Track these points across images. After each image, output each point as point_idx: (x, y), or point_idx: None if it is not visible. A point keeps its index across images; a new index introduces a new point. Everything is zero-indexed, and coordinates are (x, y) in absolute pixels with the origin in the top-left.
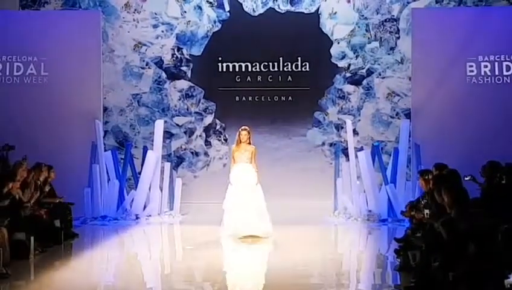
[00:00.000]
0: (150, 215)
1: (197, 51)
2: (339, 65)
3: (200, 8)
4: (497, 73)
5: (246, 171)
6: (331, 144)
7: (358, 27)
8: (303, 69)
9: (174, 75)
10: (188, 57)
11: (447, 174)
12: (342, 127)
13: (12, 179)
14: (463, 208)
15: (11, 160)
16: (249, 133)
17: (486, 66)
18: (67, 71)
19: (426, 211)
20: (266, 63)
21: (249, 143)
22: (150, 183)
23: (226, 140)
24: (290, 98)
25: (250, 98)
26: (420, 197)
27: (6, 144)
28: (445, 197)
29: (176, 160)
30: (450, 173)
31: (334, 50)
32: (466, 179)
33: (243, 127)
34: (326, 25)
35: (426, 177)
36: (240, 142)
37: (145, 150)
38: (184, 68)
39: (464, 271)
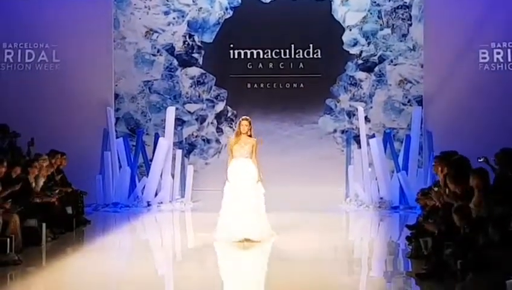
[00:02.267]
0: (161, 203)
1: (208, 37)
2: (351, 52)
3: None
4: (509, 60)
5: (245, 167)
6: (342, 131)
7: (371, 14)
8: (315, 56)
9: (185, 62)
10: (199, 44)
11: (464, 160)
12: (354, 114)
13: (28, 165)
14: (485, 194)
15: (23, 148)
16: (250, 123)
17: (498, 53)
18: (78, 58)
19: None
20: (278, 50)
21: (250, 135)
22: (162, 170)
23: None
24: (301, 85)
25: (261, 85)
26: (432, 184)
27: (14, 131)
28: (474, 181)
29: (188, 147)
30: (463, 159)
31: (346, 37)
32: (479, 160)
33: (243, 117)
34: (338, 11)
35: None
36: (240, 133)
37: (156, 137)
38: (195, 55)
39: (473, 259)
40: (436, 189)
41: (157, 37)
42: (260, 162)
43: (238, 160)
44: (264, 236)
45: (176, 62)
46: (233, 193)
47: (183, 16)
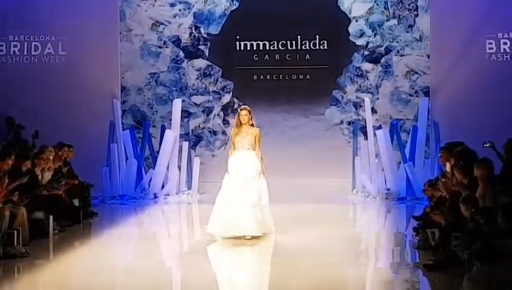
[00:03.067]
0: (168, 195)
1: (214, 29)
2: (357, 43)
3: None
4: None
5: (247, 160)
6: (349, 123)
7: (377, 5)
8: (321, 47)
9: (191, 54)
10: (205, 35)
11: (469, 150)
12: (360, 106)
13: (35, 158)
14: (490, 184)
15: (29, 141)
16: (249, 112)
17: (505, 43)
18: (85, 50)
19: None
20: (284, 42)
21: (252, 125)
22: (168, 162)
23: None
24: (308, 76)
25: (268, 77)
26: (440, 175)
27: (18, 124)
28: (479, 171)
29: (194, 139)
30: (469, 150)
31: (353, 28)
32: (485, 145)
33: (242, 106)
34: (345, 2)
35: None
36: (240, 124)
37: (163, 129)
38: (202, 47)
39: (480, 249)
40: (443, 180)
41: (163, 29)
42: (264, 153)
43: (239, 152)
44: (264, 231)
45: (182, 54)
46: (232, 186)
47: (189, 8)
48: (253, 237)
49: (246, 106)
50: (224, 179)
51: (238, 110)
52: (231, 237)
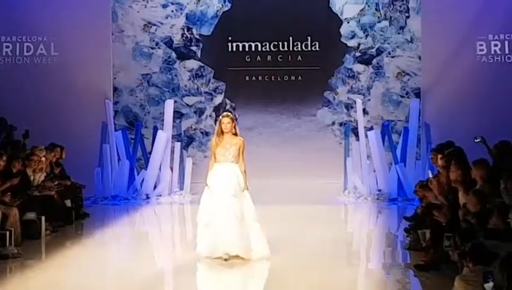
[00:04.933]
0: (160, 195)
1: (206, 30)
2: (349, 44)
3: None
4: (507, 52)
5: (230, 174)
6: (341, 124)
7: (368, 6)
8: (313, 48)
9: (183, 55)
10: (197, 36)
11: (460, 150)
12: (352, 107)
13: (27, 159)
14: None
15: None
16: (233, 120)
17: (496, 45)
18: (77, 51)
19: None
20: (276, 43)
21: (235, 134)
22: (160, 163)
23: (236, 120)
24: (299, 77)
25: (260, 78)
26: (432, 177)
27: (10, 125)
28: (479, 172)
29: (186, 140)
30: (460, 150)
31: (344, 29)
32: (476, 140)
33: (224, 113)
34: (336, 4)
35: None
36: (222, 133)
37: (155, 130)
38: (194, 48)
39: (471, 249)
40: (432, 180)
41: (156, 30)
42: (256, 154)
43: (221, 165)
44: (252, 253)
45: (174, 55)
46: (213, 203)
47: (181, 9)
48: (236, 257)
49: (229, 113)
50: (204, 195)
51: (220, 117)
52: (217, 258)
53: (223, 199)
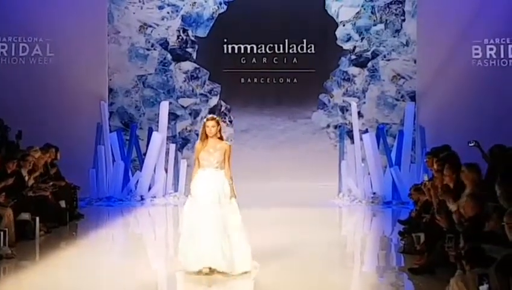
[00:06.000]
0: (154, 197)
1: (202, 32)
2: (344, 47)
3: None
4: (502, 56)
5: (215, 181)
6: (336, 126)
7: (364, 9)
8: (308, 51)
9: (179, 56)
10: (193, 38)
11: (454, 154)
12: (347, 110)
13: (22, 159)
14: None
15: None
16: (218, 123)
17: (491, 49)
18: (72, 52)
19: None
20: (271, 45)
21: (220, 138)
22: (155, 164)
23: (231, 122)
24: (295, 80)
25: (255, 80)
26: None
27: (6, 126)
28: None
29: (181, 141)
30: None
31: (340, 32)
32: (470, 145)
33: (208, 116)
34: (332, 7)
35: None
36: (206, 137)
37: (150, 131)
38: (189, 50)
39: (469, 251)
40: (427, 182)
41: (151, 31)
42: (251, 156)
43: (205, 171)
44: (237, 268)
45: (169, 56)
46: (196, 213)
47: (177, 11)
48: (220, 273)
49: (214, 116)
50: (187, 204)
51: (204, 120)
52: (200, 273)
53: (206, 208)
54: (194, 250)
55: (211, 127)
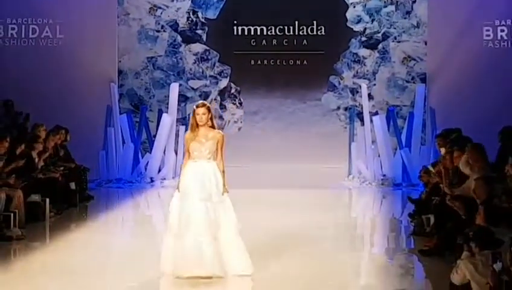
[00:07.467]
0: (164, 179)
1: (212, 14)
2: (355, 29)
3: None
4: None
5: (206, 173)
6: (346, 108)
7: None
8: (318, 33)
9: (189, 38)
10: (203, 20)
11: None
12: (357, 92)
13: (35, 141)
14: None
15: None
16: (209, 110)
17: (503, 30)
18: (82, 34)
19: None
20: (281, 27)
21: (212, 126)
22: (165, 146)
23: (241, 104)
24: (305, 62)
25: (265, 62)
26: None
27: (16, 111)
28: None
29: None
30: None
31: (350, 14)
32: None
33: (199, 102)
34: None
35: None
36: (197, 125)
37: (160, 113)
38: (199, 31)
39: (477, 233)
40: (431, 168)
41: (161, 13)
42: (260, 137)
43: (196, 163)
44: (232, 271)
45: (179, 38)
46: (184, 210)
47: None
48: (209, 277)
49: (205, 102)
50: (173, 200)
51: (194, 107)
52: (189, 277)
53: (196, 205)
54: (180, 254)
55: (201, 114)
